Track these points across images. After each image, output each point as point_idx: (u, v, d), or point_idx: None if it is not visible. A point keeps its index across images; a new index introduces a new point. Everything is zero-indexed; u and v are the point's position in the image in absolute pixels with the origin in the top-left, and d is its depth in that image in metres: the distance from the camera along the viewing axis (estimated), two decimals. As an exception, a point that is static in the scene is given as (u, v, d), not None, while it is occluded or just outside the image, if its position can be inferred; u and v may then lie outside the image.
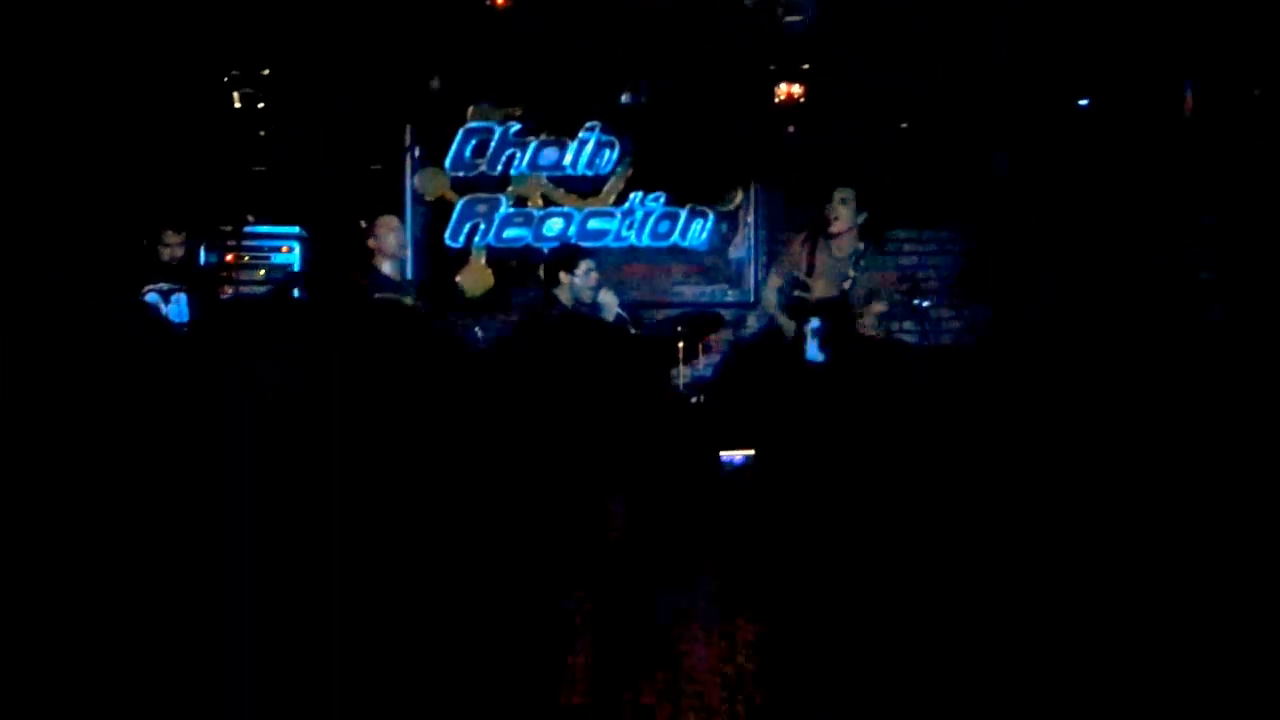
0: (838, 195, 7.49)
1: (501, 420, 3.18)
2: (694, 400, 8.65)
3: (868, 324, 7.12)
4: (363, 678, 2.81)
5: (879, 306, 7.23)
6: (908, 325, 8.69)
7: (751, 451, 6.68)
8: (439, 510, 3.03)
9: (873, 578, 3.12)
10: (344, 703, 2.78)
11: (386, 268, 7.77)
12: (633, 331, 8.54)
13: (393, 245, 7.82)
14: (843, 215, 7.46)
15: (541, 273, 7.82)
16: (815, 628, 3.00)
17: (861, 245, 7.40)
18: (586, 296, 7.65)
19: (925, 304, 8.08)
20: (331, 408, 3.13)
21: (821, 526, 3.12)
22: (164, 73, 9.48)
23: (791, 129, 10.00)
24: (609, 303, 8.19)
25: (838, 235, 7.45)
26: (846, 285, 7.31)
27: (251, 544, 2.91)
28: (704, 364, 9.91)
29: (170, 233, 7.93)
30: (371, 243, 7.79)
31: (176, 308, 8.28)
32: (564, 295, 7.60)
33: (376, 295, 7.57)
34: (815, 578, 3.10)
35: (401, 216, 9.84)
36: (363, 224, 8.22)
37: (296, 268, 9.68)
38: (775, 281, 7.61)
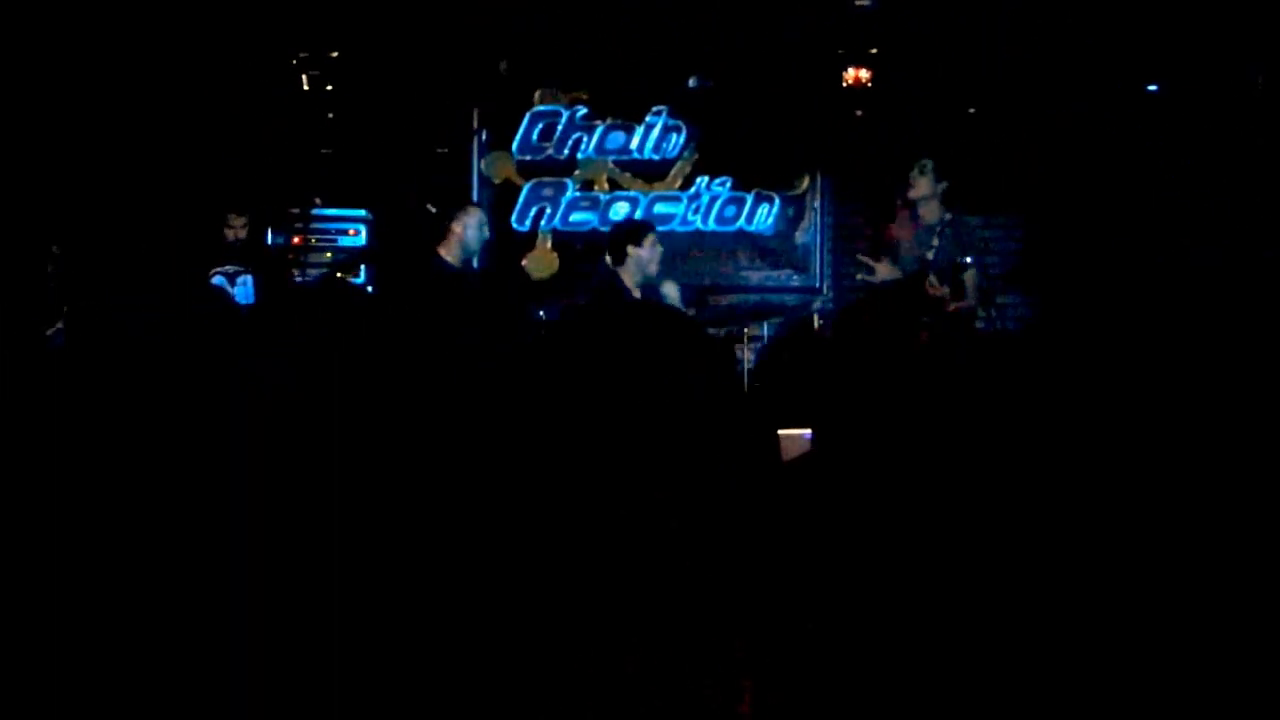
0: (916, 166, 7.45)
1: (552, 411, 3.15)
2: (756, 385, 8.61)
3: (968, 289, 7.07)
4: (368, 679, 2.81)
5: (970, 274, 7.17)
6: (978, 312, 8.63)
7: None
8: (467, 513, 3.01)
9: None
10: (343, 706, 2.78)
11: (451, 256, 7.72)
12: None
13: (469, 237, 7.76)
14: (921, 184, 7.42)
15: (607, 253, 7.75)
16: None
17: (948, 214, 7.35)
18: (653, 270, 7.56)
19: (991, 290, 8.01)
20: (333, 407, 3.13)
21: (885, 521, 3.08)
22: (233, 55, 9.55)
23: (859, 113, 9.94)
24: (671, 294, 8.13)
25: (920, 205, 7.41)
26: (930, 254, 7.27)
27: (251, 549, 2.91)
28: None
29: (235, 215, 7.98)
30: (457, 228, 7.72)
31: (244, 289, 8.35)
32: (629, 275, 7.52)
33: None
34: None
35: (468, 200, 9.87)
36: (430, 208, 8.24)
37: (362, 249, 9.73)
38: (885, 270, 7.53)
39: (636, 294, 7.48)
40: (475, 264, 8.25)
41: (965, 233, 7.43)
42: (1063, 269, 8.65)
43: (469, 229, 7.71)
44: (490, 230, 8.51)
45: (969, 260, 7.23)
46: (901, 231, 7.45)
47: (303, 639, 2.84)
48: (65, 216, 8.94)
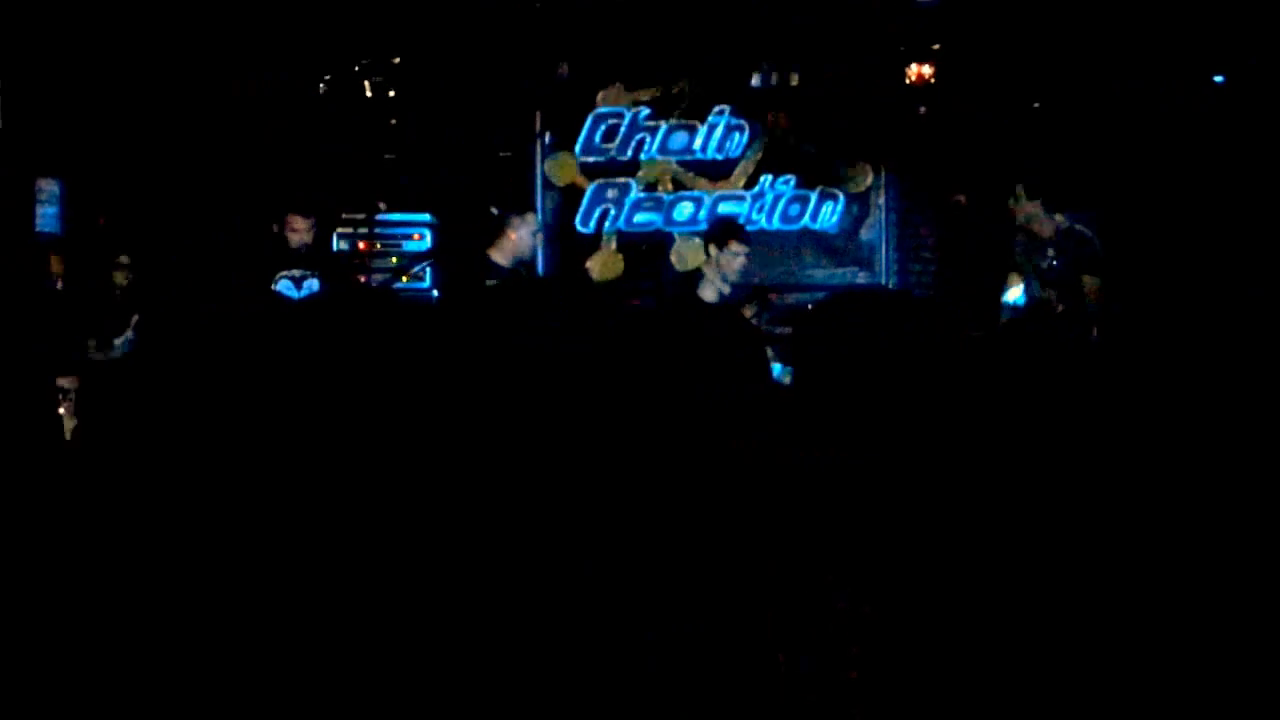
0: (1012, 196, 7.38)
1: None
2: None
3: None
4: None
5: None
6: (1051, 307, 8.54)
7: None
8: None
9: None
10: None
11: (503, 259, 7.64)
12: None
13: (523, 241, 7.69)
14: (1025, 206, 7.36)
15: (703, 247, 7.57)
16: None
17: (1064, 221, 7.28)
18: (734, 276, 7.39)
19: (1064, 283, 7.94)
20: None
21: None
22: (297, 62, 9.61)
23: (923, 109, 9.88)
24: (747, 314, 8.04)
25: (1031, 222, 7.36)
26: (1045, 265, 7.21)
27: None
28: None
29: (299, 219, 7.97)
30: (511, 233, 7.67)
31: (309, 294, 8.37)
32: (711, 278, 7.33)
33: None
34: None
35: (532, 203, 9.89)
36: (493, 210, 8.23)
37: (427, 253, 9.76)
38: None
39: (710, 294, 7.30)
40: (523, 270, 8.22)
41: (1081, 244, 7.35)
42: (1140, 264, 8.56)
43: (522, 234, 7.64)
44: (554, 233, 8.53)
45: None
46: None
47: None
48: (133, 223, 9.03)
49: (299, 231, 8.11)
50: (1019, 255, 7.42)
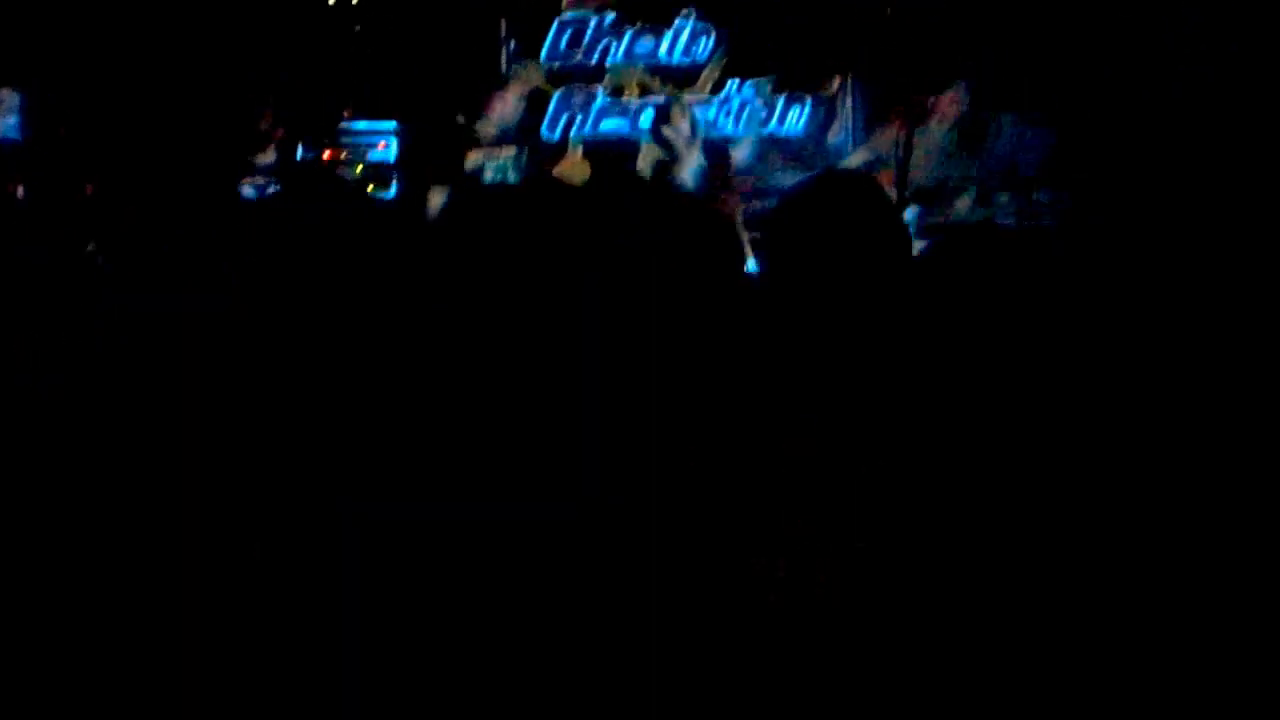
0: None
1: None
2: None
3: (963, 210, 7.04)
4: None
5: (965, 199, 7.13)
6: (1009, 209, 8.54)
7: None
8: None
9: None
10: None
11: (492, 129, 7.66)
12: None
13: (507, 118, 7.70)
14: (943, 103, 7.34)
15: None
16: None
17: (957, 133, 7.29)
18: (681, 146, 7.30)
19: (1025, 188, 7.95)
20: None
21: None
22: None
23: (889, 9, 9.81)
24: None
25: (937, 120, 7.34)
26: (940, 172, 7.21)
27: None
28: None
29: (264, 127, 7.94)
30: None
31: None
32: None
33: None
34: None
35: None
36: (459, 118, 8.21)
37: (393, 163, 9.71)
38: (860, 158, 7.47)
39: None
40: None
41: (977, 152, 7.33)
42: (1098, 167, 8.55)
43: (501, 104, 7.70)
44: (519, 139, 8.50)
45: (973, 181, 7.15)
46: (919, 142, 7.35)
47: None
48: (95, 134, 8.95)
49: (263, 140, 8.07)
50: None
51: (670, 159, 7.54)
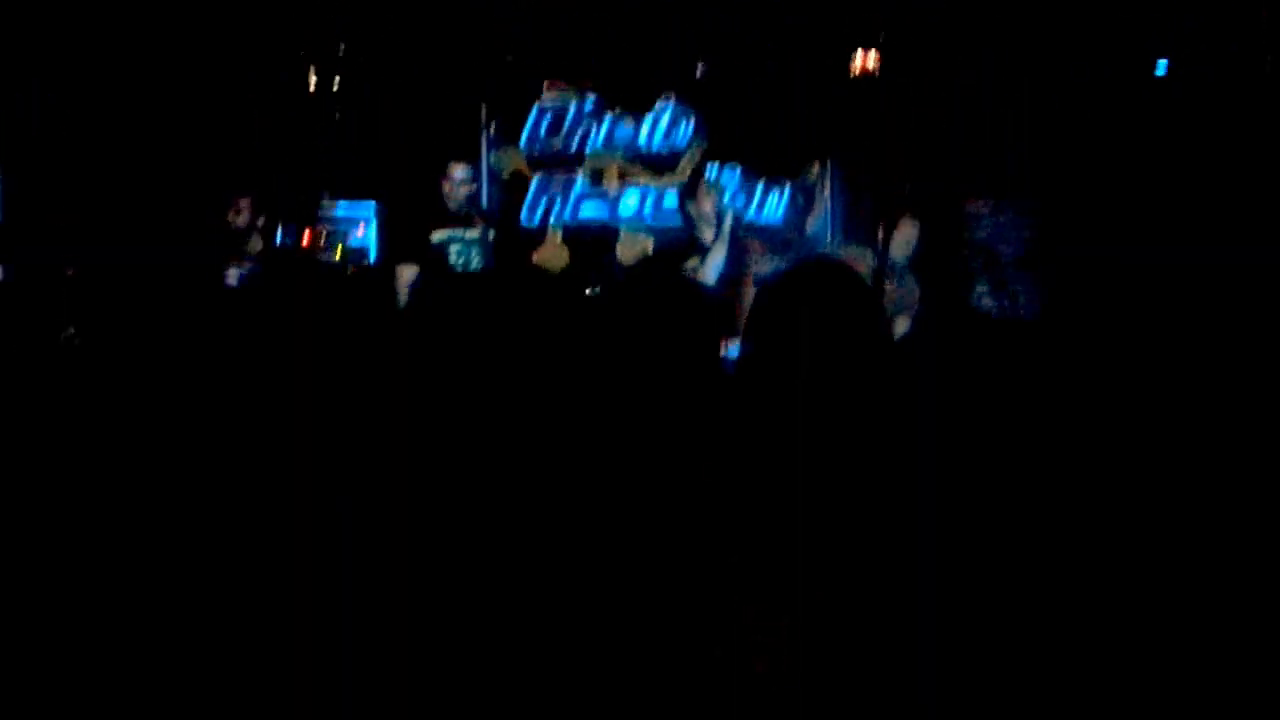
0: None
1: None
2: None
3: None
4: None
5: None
6: (985, 299, 8.55)
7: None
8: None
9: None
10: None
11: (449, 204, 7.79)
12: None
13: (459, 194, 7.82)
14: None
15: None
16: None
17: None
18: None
19: (1001, 276, 7.95)
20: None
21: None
22: (240, 52, 9.53)
23: (869, 99, 9.89)
24: None
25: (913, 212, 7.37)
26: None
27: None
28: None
29: (244, 210, 7.95)
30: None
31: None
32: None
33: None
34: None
35: (476, 195, 9.87)
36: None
37: (372, 246, 9.71)
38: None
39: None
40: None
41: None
42: (1077, 254, 8.57)
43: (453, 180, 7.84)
44: (499, 225, 8.55)
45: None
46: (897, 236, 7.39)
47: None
48: (74, 216, 8.93)
49: (241, 219, 8.08)
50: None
51: (695, 236, 7.60)
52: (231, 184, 8.85)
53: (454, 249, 7.83)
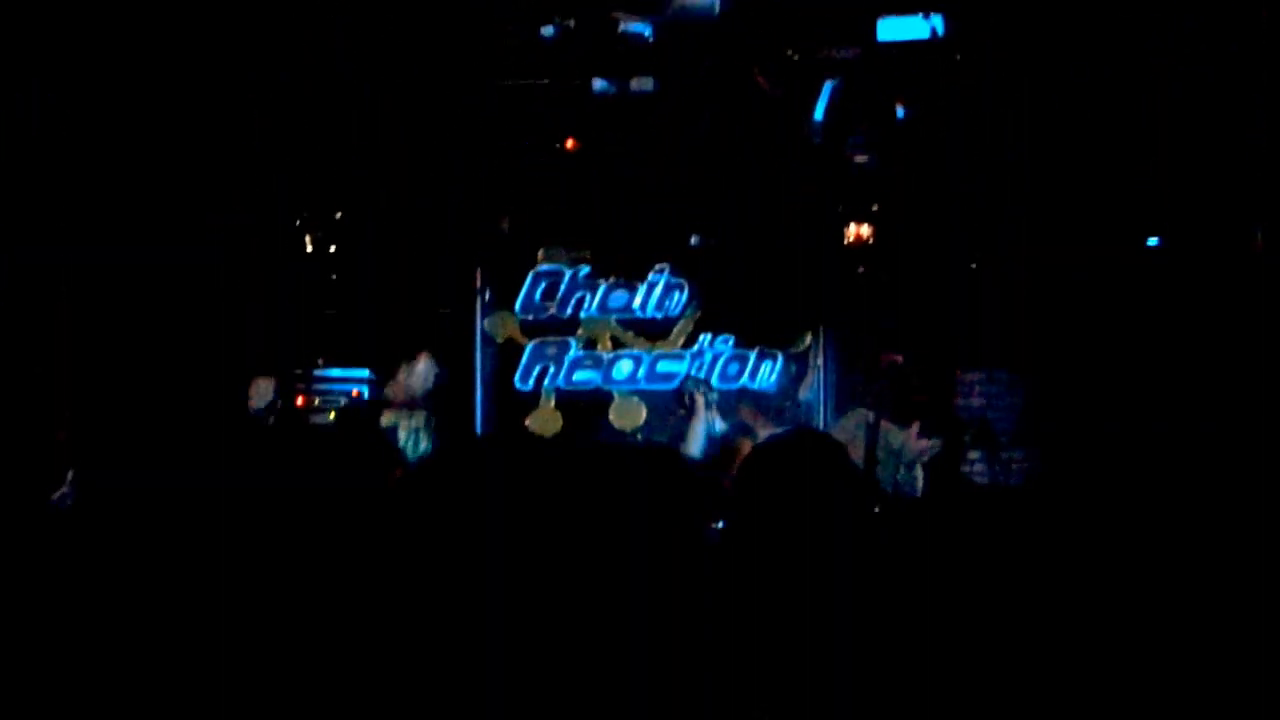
0: None
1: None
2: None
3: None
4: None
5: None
6: (979, 467, 8.57)
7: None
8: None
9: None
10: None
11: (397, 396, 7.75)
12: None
13: (414, 387, 7.79)
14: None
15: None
16: None
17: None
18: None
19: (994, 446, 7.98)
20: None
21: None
22: (236, 217, 9.60)
23: (861, 269, 9.97)
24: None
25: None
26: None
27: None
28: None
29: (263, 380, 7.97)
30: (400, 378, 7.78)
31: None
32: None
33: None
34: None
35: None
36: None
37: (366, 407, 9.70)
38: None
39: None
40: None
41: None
42: (1068, 425, 8.59)
43: (411, 379, 7.77)
44: (492, 390, 8.56)
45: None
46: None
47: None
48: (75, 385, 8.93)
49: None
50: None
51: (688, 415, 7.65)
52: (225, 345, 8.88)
53: (401, 434, 7.80)
